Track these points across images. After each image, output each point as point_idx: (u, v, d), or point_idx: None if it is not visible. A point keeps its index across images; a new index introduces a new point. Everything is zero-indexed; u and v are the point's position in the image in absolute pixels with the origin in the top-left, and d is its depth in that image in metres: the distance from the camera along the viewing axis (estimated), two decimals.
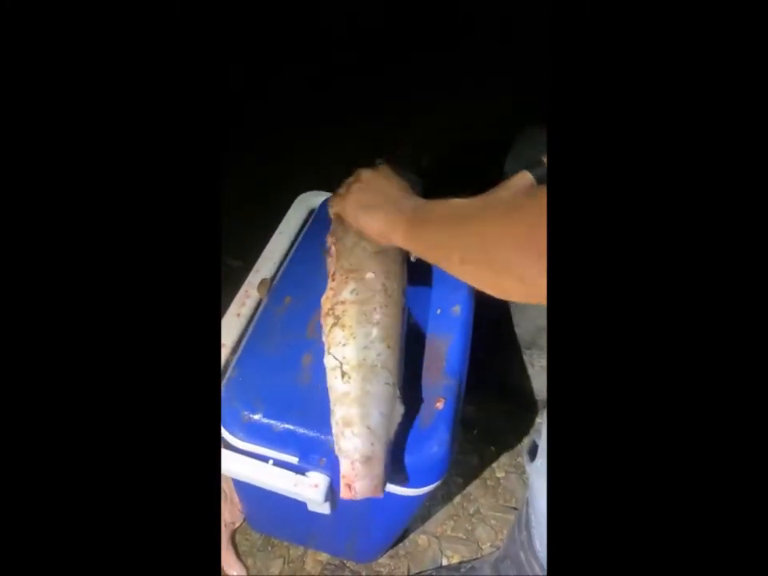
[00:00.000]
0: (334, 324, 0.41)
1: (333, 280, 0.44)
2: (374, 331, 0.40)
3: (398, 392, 0.40)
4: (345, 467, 0.37)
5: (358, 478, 0.36)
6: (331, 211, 0.49)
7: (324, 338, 0.42)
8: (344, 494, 0.37)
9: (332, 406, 0.39)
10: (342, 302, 0.42)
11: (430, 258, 0.40)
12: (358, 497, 0.36)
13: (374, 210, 0.43)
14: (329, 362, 0.40)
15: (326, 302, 0.43)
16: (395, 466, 0.42)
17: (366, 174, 0.47)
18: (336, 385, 0.39)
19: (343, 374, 0.39)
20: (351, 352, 0.40)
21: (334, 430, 0.38)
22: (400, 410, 0.39)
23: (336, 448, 0.38)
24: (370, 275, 0.43)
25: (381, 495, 0.37)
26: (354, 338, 0.40)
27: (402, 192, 0.44)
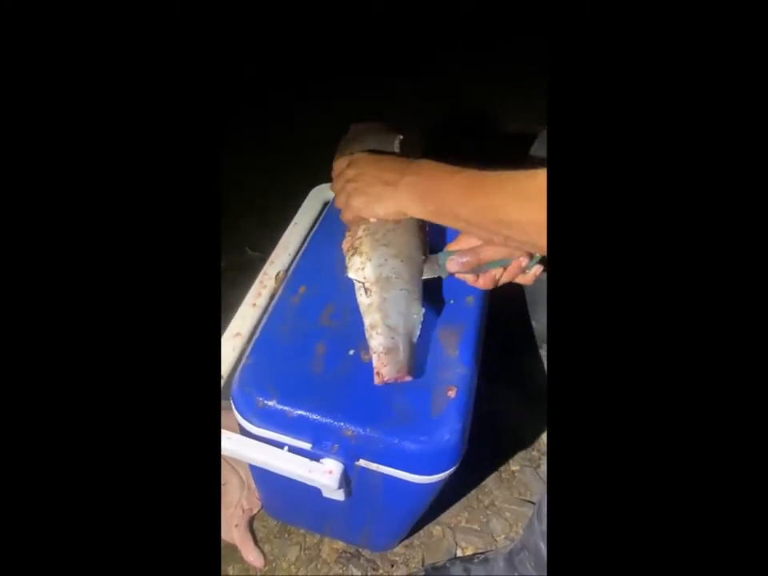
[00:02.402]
0: (353, 254, 0.48)
1: (349, 229, 0.51)
2: (387, 250, 0.47)
3: (414, 295, 0.46)
4: (374, 360, 0.43)
5: (383, 365, 0.42)
6: (344, 219, 0.51)
7: (347, 265, 0.48)
8: (376, 380, 0.42)
9: (363, 318, 0.46)
10: (359, 238, 0.48)
11: (453, 226, 0.45)
12: (387, 380, 0.42)
13: (382, 201, 0.47)
14: (355, 283, 0.47)
15: (345, 244, 0.50)
16: (408, 453, 0.42)
17: (350, 171, 0.49)
18: (362, 299, 0.46)
19: (366, 290, 0.46)
20: (369, 271, 0.46)
21: (366, 336, 0.45)
22: (418, 309, 0.46)
23: (369, 347, 0.44)
24: (372, 219, 0.49)
25: (407, 379, 0.43)
26: (370, 259, 0.47)
27: (395, 170, 0.47)
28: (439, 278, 0.50)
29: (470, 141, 1.28)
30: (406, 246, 0.48)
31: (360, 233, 0.48)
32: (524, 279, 0.48)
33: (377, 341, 0.43)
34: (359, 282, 0.46)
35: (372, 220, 0.48)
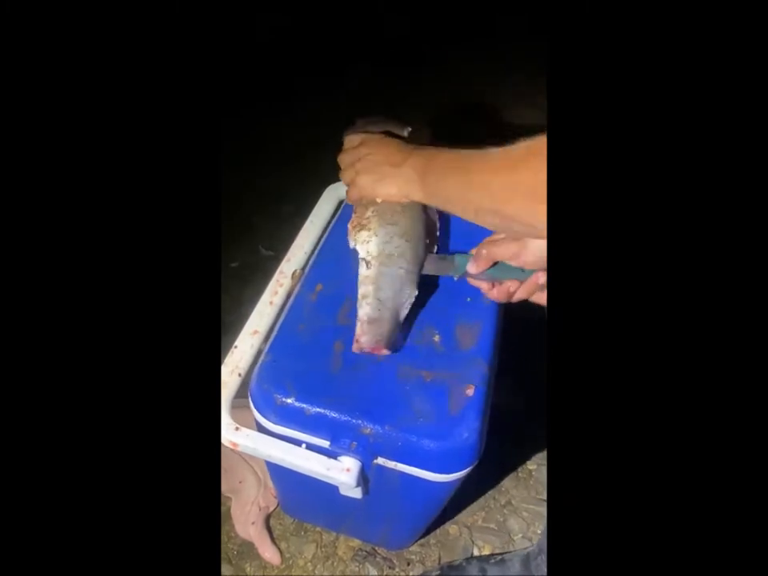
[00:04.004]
0: (360, 229, 0.48)
1: (355, 212, 0.51)
2: (394, 229, 0.47)
3: (412, 276, 0.47)
4: (357, 328, 0.44)
5: (363, 333, 0.43)
6: (349, 198, 0.52)
7: (351, 239, 0.49)
8: (354, 347, 0.43)
9: (358, 287, 0.46)
10: (367, 218, 0.49)
11: (448, 210, 0.45)
12: (365, 350, 0.43)
13: (387, 181, 0.48)
14: (359, 256, 0.48)
15: (352, 222, 0.50)
16: (426, 451, 0.42)
17: (362, 149, 0.50)
18: (361, 271, 0.47)
19: (367, 263, 0.47)
20: (373, 246, 0.47)
21: (357, 306, 0.45)
22: (413, 290, 0.46)
23: (356, 318, 0.45)
24: (378, 200, 0.49)
25: (384, 352, 0.44)
26: (377, 235, 0.47)
27: (402, 151, 0.48)
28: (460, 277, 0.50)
29: (481, 128, 1.27)
30: (412, 228, 0.48)
31: (368, 213, 0.49)
32: (540, 298, 0.46)
33: (363, 310, 0.44)
34: (362, 255, 0.47)
35: (378, 200, 0.49)
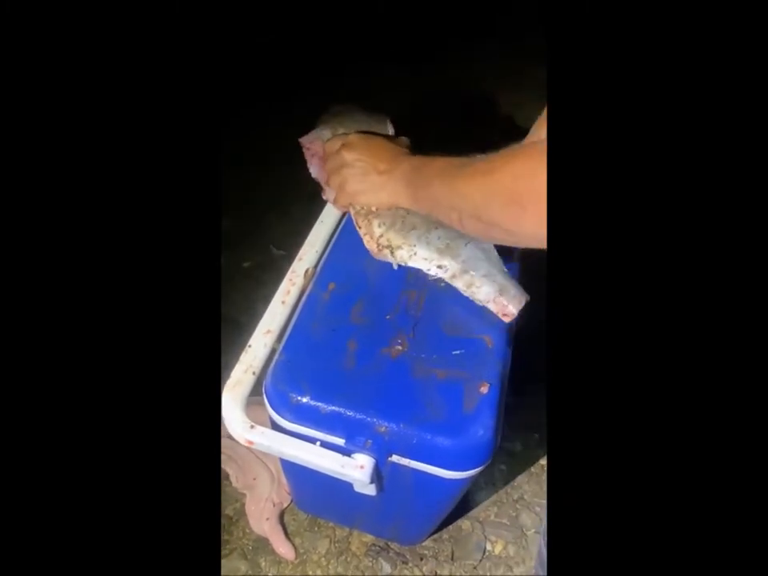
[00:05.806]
0: (391, 250, 0.48)
1: (360, 227, 0.50)
2: (417, 232, 0.47)
3: (475, 239, 0.47)
4: (493, 307, 0.45)
5: (504, 304, 0.45)
6: (336, 203, 0.53)
7: (395, 261, 0.49)
8: (506, 320, 0.45)
9: (452, 282, 0.47)
10: (380, 236, 0.48)
11: (435, 216, 0.46)
12: (517, 312, 0.45)
13: (375, 191, 0.48)
14: (424, 269, 0.48)
15: (369, 246, 0.50)
16: (441, 449, 0.42)
17: (347, 155, 0.49)
18: (439, 274, 0.47)
19: (438, 267, 0.47)
20: (424, 254, 0.47)
21: (468, 295, 0.47)
22: (489, 246, 0.47)
23: (478, 301, 0.46)
24: (373, 208, 0.49)
25: (527, 299, 0.46)
26: (414, 245, 0.47)
27: (389, 158, 0.48)
28: None
29: (478, 129, 1.26)
30: (428, 217, 0.48)
31: (377, 230, 0.48)
32: None
33: (483, 292, 0.45)
34: (427, 269, 0.47)
35: (373, 209, 0.49)
